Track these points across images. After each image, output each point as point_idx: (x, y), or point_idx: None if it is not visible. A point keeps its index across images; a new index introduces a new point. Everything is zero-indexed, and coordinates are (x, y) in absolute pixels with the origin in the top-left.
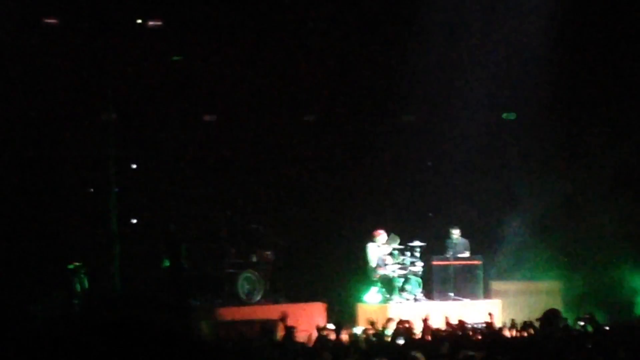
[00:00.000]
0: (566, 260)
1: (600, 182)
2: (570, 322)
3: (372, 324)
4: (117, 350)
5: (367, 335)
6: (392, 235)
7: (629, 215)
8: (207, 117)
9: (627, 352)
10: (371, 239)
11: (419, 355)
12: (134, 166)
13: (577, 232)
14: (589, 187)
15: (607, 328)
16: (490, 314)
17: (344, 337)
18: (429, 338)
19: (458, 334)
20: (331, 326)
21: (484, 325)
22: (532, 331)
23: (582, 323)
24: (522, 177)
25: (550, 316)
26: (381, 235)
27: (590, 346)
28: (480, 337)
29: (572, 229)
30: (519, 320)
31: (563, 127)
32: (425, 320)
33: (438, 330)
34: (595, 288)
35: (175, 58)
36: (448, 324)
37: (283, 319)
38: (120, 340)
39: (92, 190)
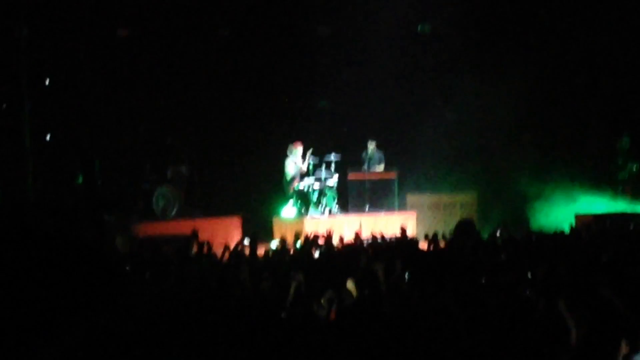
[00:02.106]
0: (481, 172)
1: (512, 90)
2: (485, 233)
3: (284, 239)
4: (20, 258)
5: (282, 249)
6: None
7: (537, 124)
8: (121, 32)
9: (536, 259)
10: (289, 152)
11: (350, 284)
12: (48, 81)
13: (490, 143)
14: (503, 96)
15: (517, 238)
16: (403, 226)
17: (260, 251)
18: (342, 250)
19: (371, 246)
20: (246, 241)
21: (397, 237)
22: (445, 242)
23: (498, 234)
24: (437, 89)
25: (463, 226)
26: (298, 148)
27: (503, 255)
28: (394, 250)
29: (486, 142)
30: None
31: (476, 38)
32: (328, 234)
33: (351, 243)
34: (506, 199)
35: None
36: (358, 237)
37: (195, 234)
38: (25, 249)
39: (4, 105)
